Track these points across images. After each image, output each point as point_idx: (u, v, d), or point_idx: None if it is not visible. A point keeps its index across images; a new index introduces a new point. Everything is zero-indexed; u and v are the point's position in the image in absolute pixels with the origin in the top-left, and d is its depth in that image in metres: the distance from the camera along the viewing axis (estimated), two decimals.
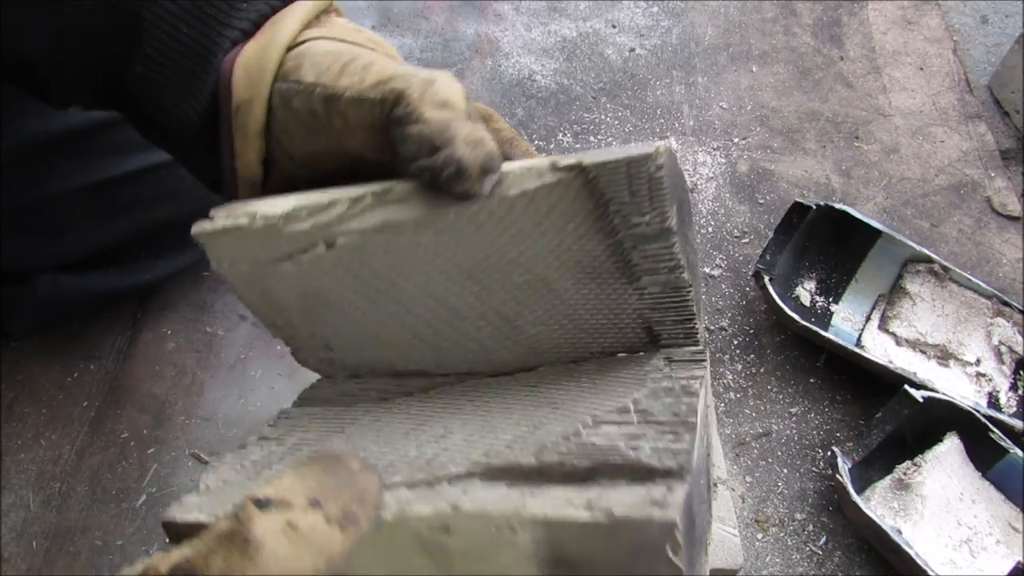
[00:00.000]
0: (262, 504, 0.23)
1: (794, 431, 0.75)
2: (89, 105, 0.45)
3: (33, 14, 0.40)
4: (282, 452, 0.36)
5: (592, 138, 0.95)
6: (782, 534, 0.69)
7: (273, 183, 0.40)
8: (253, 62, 0.38)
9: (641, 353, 0.37)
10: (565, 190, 0.32)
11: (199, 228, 0.36)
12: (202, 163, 0.43)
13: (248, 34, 0.39)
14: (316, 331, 0.39)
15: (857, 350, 0.73)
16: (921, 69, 1.04)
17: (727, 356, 0.79)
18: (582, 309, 0.36)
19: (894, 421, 0.68)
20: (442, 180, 0.32)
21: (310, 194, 0.36)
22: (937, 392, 0.69)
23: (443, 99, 0.33)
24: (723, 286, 0.84)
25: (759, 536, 0.69)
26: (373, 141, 0.36)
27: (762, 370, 0.78)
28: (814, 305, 0.80)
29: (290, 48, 0.38)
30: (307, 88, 0.36)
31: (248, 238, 0.36)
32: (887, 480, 0.68)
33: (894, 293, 0.79)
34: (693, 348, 0.36)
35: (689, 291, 0.34)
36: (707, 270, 0.85)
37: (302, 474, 0.24)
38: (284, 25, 0.38)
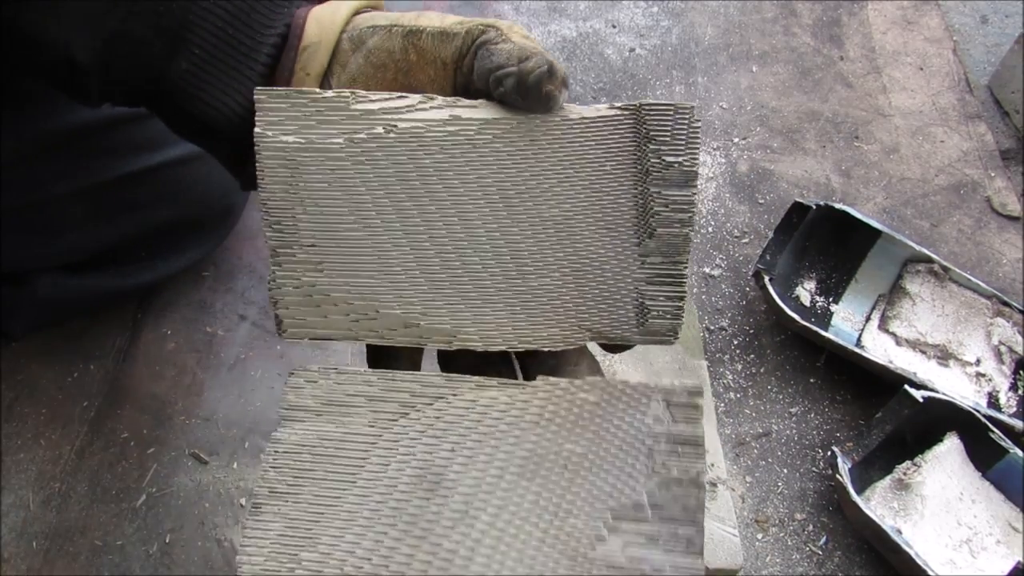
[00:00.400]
0: None
1: (794, 431, 0.75)
2: (123, 103, 0.47)
3: (84, 21, 0.42)
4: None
5: None
6: (782, 534, 0.69)
7: None
8: (326, 13, 0.42)
9: (641, 399, 0.37)
10: (618, 123, 0.38)
11: (264, 88, 0.37)
12: (235, 156, 0.45)
13: (285, 34, 0.43)
14: (318, 240, 0.38)
15: (857, 350, 0.73)
16: (921, 69, 1.04)
17: (727, 356, 0.79)
18: (590, 266, 0.39)
19: (894, 421, 0.68)
20: (531, 79, 0.36)
21: (382, 93, 0.39)
22: (937, 392, 0.69)
23: (526, 34, 0.38)
24: (723, 286, 0.84)
25: (759, 536, 0.69)
26: (440, 76, 0.40)
27: (762, 370, 0.78)
28: (814, 305, 0.80)
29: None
30: (386, 27, 0.40)
31: (309, 105, 0.37)
32: (887, 480, 0.68)
33: (894, 293, 0.79)
34: (690, 387, 0.37)
35: (686, 265, 0.38)
36: (707, 270, 0.85)
37: None
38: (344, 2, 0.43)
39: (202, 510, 0.67)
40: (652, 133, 0.37)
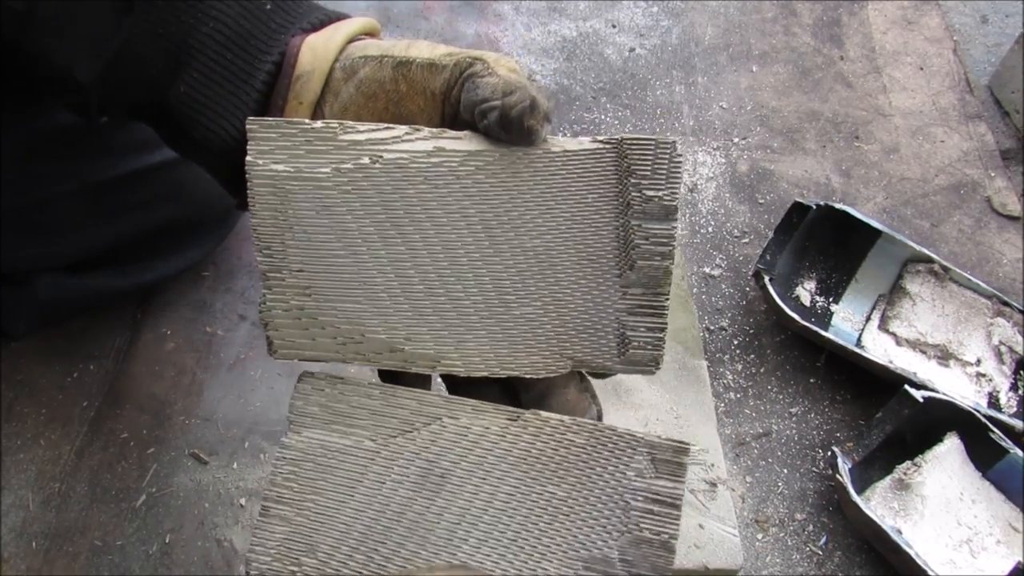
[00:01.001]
0: None
1: (794, 431, 0.75)
2: (121, 119, 0.48)
3: (87, 44, 0.43)
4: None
5: None
6: (782, 534, 0.69)
7: None
8: (320, 42, 0.43)
9: (626, 449, 0.38)
10: (600, 157, 0.39)
11: (255, 119, 0.39)
12: (232, 175, 0.46)
13: (280, 62, 0.44)
14: (306, 265, 0.39)
15: (857, 350, 0.73)
16: (921, 69, 1.04)
17: (727, 356, 0.79)
18: (571, 296, 0.40)
19: (894, 421, 0.68)
20: (514, 113, 0.37)
21: (369, 124, 0.40)
22: (937, 392, 0.69)
23: (513, 67, 0.40)
24: (723, 286, 0.84)
25: (759, 536, 0.69)
26: (429, 107, 0.41)
27: (762, 370, 0.78)
28: (814, 305, 0.80)
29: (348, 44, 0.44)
30: (377, 57, 0.42)
31: (300, 136, 0.38)
32: (887, 480, 0.68)
33: (894, 293, 0.79)
34: (676, 444, 0.38)
35: (667, 296, 0.39)
36: (707, 270, 0.85)
37: None
38: (343, 26, 0.44)
39: (202, 510, 0.67)
40: (633, 167, 0.38)
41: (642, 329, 0.39)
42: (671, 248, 0.39)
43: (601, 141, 0.39)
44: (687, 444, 0.38)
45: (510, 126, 0.37)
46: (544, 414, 0.39)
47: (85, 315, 0.75)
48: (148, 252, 0.73)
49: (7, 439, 0.69)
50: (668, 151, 0.38)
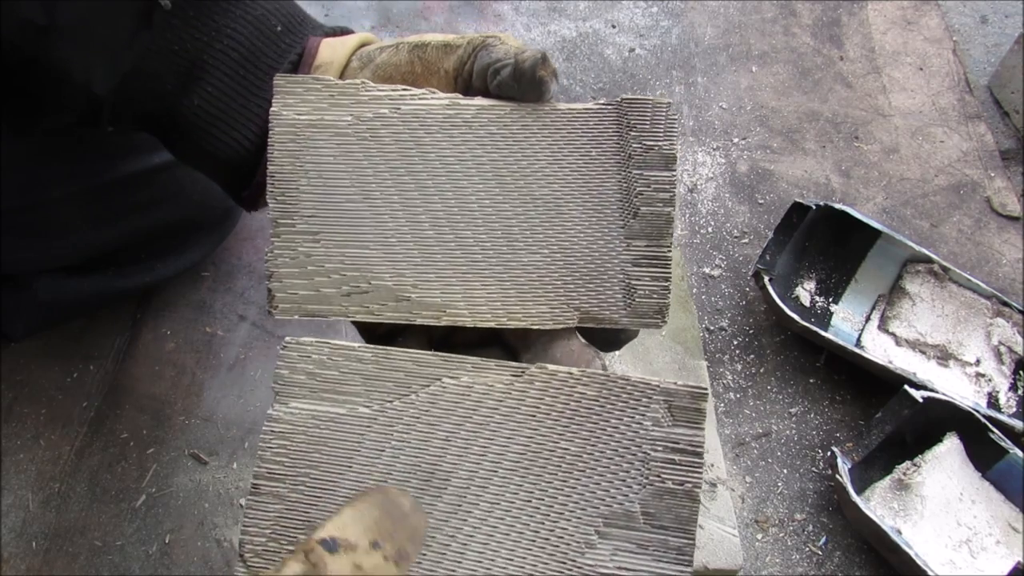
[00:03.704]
0: (329, 546, 0.25)
1: (794, 431, 0.75)
2: (130, 129, 0.49)
3: (105, 58, 0.44)
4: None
5: None
6: (782, 534, 0.69)
7: None
8: (336, 41, 0.46)
9: (641, 398, 0.37)
10: (603, 115, 0.41)
11: (283, 75, 0.40)
12: (241, 183, 0.48)
13: (294, 66, 0.46)
14: (318, 210, 0.39)
15: (857, 350, 0.73)
16: (921, 69, 1.04)
17: (727, 356, 0.79)
18: (578, 246, 0.40)
19: (894, 421, 0.68)
20: (527, 64, 0.39)
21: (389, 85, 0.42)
22: (937, 392, 0.69)
23: (523, 42, 0.42)
24: (723, 286, 0.84)
25: (759, 536, 0.69)
26: (442, 85, 0.42)
27: (762, 370, 0.78)
28: (814, 305, 0.80)
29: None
30: (392, 45, 0.44)
31: (323, 90, 0.40)
32: (887, 480, 0.68)
33: (894, 293, 0.79)
34: (693, 388, 0.37)
35: (670, 248, 0.40)
36: (707, 270, 0.85)
37: (360, 512, 0.27)
38: (354, 35, 0.47)
39: (202, 510, 0.67)
40: (633, 122, 0.40)
41: (647, 279, 0.40)
42: (672, 194, 0.40)
43: (602, 103, 0.41)
44: (704, 388, 0.37)
45: (522, 76, 0.39)
46: (551, 367, 0.37)
47: (85, 316, 0.75)
48: (148, 254, 0.73)
49: (7, 439, 0.69)
50: (664, 108, 0.40)
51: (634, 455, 0.36)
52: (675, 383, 0.37)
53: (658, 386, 0.37)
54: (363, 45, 0.46)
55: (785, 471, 0.72)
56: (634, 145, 0.40)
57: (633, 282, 0.40)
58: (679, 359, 0.74)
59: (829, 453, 0.72)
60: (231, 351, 0.76)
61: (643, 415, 0.37)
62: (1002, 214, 0.90)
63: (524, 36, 1.06)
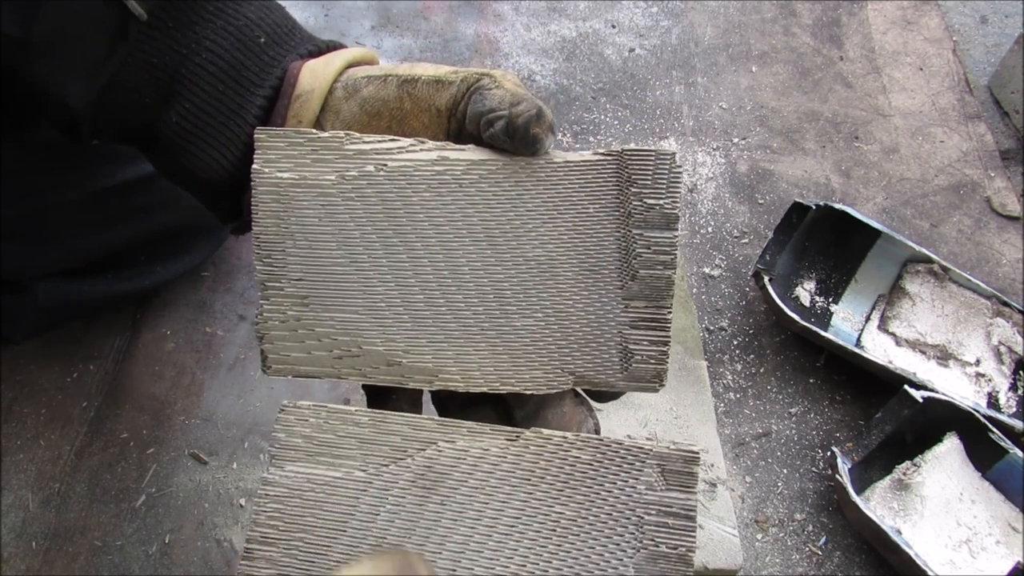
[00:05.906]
0: None
1: (794, 431, 0.75)
2: (112, 142, 0.48)
3: (81, 72, 0.43)
4: None
5: (592, 138, 0.95)
6: (782, 534, 0.69)
7: None
8: (320, 64, 0.43)
9: (634, 463, 0.37)
10: (601, 168, 0.39)
11: (264, 128, 0.39)
12: (223, 203, 0.47)
13: (275, 90, 0.44)
14: (306, 274, 0.39)
15: (857, 350, 0.73)
16: (921, 69, 1.04)
17: (727, 356, 0.79)
18: (573, 308, 0.39)
19: (894, 421, 0.68)
20: (521, 121, 0.37)
21: (375, 136, 0.40)
22: (937, 392, 0.69)
23: (518, 83, 0.40)
24: (723, 286, 0.84)
25: (759, 536, 0.69)
26: (433, 123, 0.41)
27: (762, 370, 0.78)
28: (814, 305, 0.80)
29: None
30: (381, 76, 0.42)
31: (306, 145, 0.39)
32: (887, 480, 0.68)
33: (894, 293, 0.79)
34: (686, 452, 0.37)
35: (670, 310, 0.38)
36: (707, 270, 0.85)
37: (378, 565, 0.27)
38: (342, 52, 0.44)
39: (201, 510, 0.67)
40: (634, 177, 0.38)
41: (645, 343, 0.39)
42: (673, 257, 0.38)
43: (602, 153, 0.39)
44: (696, 452, 0.37)
45: (516, 133, 0.37)
46: (545, 431, 0.37)
47: (85, 319, 0.76)
48: (147, 258, 0.73)
49: (7, 439, 0.69)
50: (668, 161, 0.38)
51: (628, 519, 0.36)
52: (668, 446, 0.37)
53: (651, 450, 0.37)
54: (350, 66, 0.44)
55: (785, 471, 0.72)
56: (634, 202, 0.38)
57: (631, 345, 0.39)
58: (679, 359, 0.74)
59: (829, 453, 0.72)
60: (231, 351, 0.76)
61: (636, 479, 0.37)
62: (1002, 214, 0.90)
63: (524, 36, 1.06)
